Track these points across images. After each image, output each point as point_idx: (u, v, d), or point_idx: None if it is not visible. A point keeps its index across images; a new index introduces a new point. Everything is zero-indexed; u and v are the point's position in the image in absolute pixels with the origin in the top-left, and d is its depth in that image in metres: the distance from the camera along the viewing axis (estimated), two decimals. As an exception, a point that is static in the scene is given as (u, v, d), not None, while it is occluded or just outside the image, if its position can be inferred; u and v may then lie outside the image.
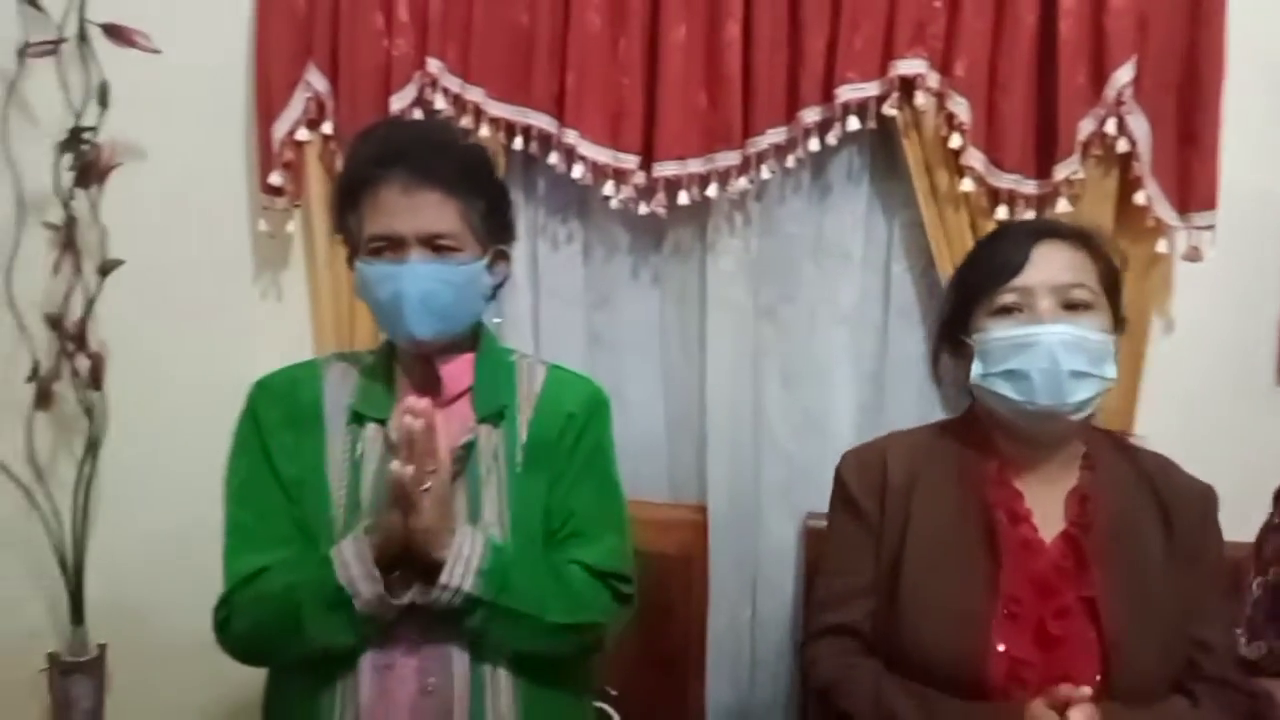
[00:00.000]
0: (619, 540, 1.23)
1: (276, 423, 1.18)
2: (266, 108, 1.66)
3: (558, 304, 1.79)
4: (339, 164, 1.68)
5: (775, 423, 1.80)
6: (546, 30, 1.62)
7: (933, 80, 1.59)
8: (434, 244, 1.12)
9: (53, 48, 1.59)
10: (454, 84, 1.64)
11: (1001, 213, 1.61)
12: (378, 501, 1.10)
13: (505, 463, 1.17)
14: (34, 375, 1.67)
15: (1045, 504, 1.17)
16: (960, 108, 1.58)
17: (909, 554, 1.17)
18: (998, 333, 1.14)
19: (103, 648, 1.77)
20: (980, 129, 1.59)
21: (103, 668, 1.77)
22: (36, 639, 1.77)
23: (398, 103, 1.62)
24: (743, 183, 1.65)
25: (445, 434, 1.16)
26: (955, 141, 1.59)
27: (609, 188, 1.66)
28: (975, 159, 1.59)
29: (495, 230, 1.20)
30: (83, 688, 1.74)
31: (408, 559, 1.08)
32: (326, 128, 1.67)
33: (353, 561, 1.06)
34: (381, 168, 1.11)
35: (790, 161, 1.65)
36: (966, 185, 1.60)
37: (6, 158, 1.60)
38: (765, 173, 1.64)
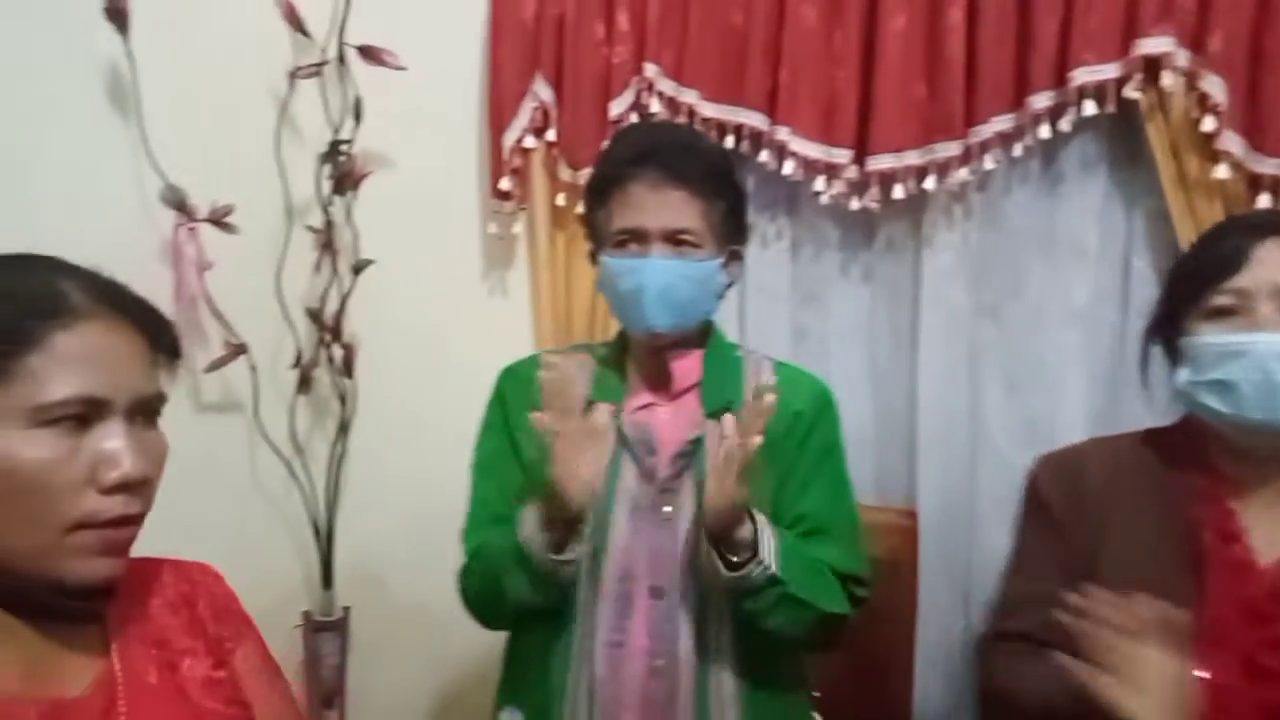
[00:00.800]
0: (853, 542, 1.23)
1: (520, 407, 1.26)
2: (498, 117, 1.78)
3: (765, 301, 1.80)
4: (561, 170, 1.78)
5: (994, 429, 1.71)
6: (761, 28, 1.63)
7: (1182, 59, 1.46)
8: (676, 240, 1.17)
9: (317, 70, 1.78)
10: (669, 87, 1.69)
11: (1263, 201, 1.46)
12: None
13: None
14: (297, 363, 1.88)
15: (1264, 525, 1.05)
16: (1215, 87, 1.44)
17: (1103, 568, 1.09)
18: (1208, 337, 1.04)
19: (347, 610, 1.96)
20: (1238, 110, 1.45)
21: (347, 627, 1.96)
22: (293, 598, 1.99)
23: (616, 108, 1.69)
24: (963, 174, 1.59)
25: (673, 428, 1.21)
26: (1208, 124, 1.46)
27: (820, 183, 1.65)
28: (1232, 143, 1.45)
29: (733, 231, 1.24)
30: (330, 644, 1.93)
31: (578, 520, 1.11)
32: (550, 135, 1.77)
33: (528, 520, 1.11)
34: (633, 166, 1.17)
35: (1017, 150, 1.57)
36: (1221, 172, 1.46)
37: (278, 169, 1.82)
38: (989, 163, 1.57)
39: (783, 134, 1.63)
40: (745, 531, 1.09)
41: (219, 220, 1.67)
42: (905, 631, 1.68)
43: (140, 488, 0.75)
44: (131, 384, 0.75)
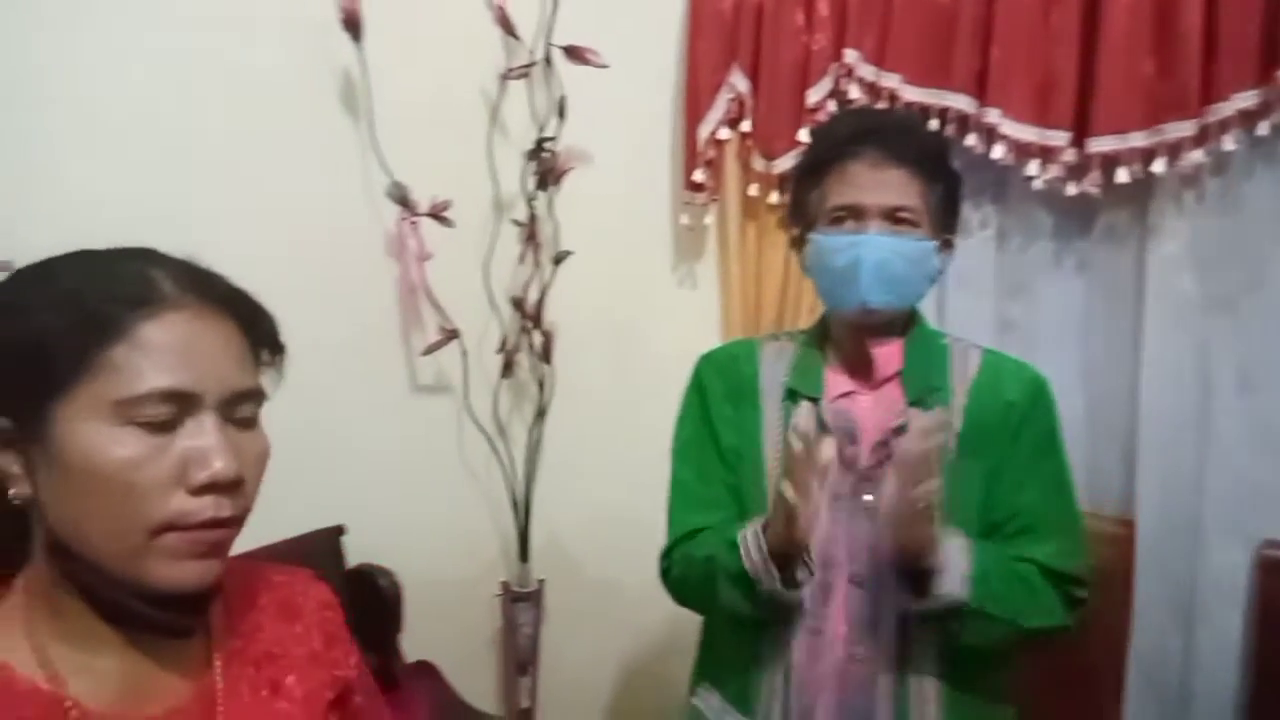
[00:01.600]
0: (1072, 539, 1.18)
1: (719, 394, 1.29)
2: (693, 110, 1.81)
3: (966, 292, 1.73)
4: (754, 160, 1.78)
5: (1225, 433, 1.57)
6: (970, 7, 1.57)
7: None
8: (895, 217, 1.16)
9: (525, 71, 1.88)
10: (869, 73, 1.65)
11: None
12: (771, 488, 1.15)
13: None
14: (502, 348, 1.99)
15: None
16: None
17: None
18: None
19: (542, 582, 2.06)
20: None
21: (542, 599, 2.06)
22: (492, 569, 2.11)
23: (813, 96, 1.68)
24: (1197, 156, 1.46)
25: (874, 417, 1.19)
26: None
27: (1033, 167, 1.56)
28: None
29: (947, 217, 1.22)
30: (526, 614, 2.04)
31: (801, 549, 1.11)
32: (745, 126, 1.78)
33: (754, 551, 1.12)
34: (853, 145, 1.17)
35: (1262, 129, 1.42)
36: None
37: (489, 167, 1.93)
38: (1229, 144, 1.43)
39: (992, 116, 1.56)
40: (933, 561, 1.07)
41: (438, 214, 1.79)
42: (1116, 647, 1.58)
43: (232, 489, 0.67)
44: (223, 377, 0.67)
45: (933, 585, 1.07)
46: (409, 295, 1.85)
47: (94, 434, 0.63)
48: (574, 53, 1.83)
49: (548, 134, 1.90)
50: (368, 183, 1.80)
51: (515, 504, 2.04)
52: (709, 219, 1.89)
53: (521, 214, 1.96)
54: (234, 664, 0.75)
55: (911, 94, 1.63)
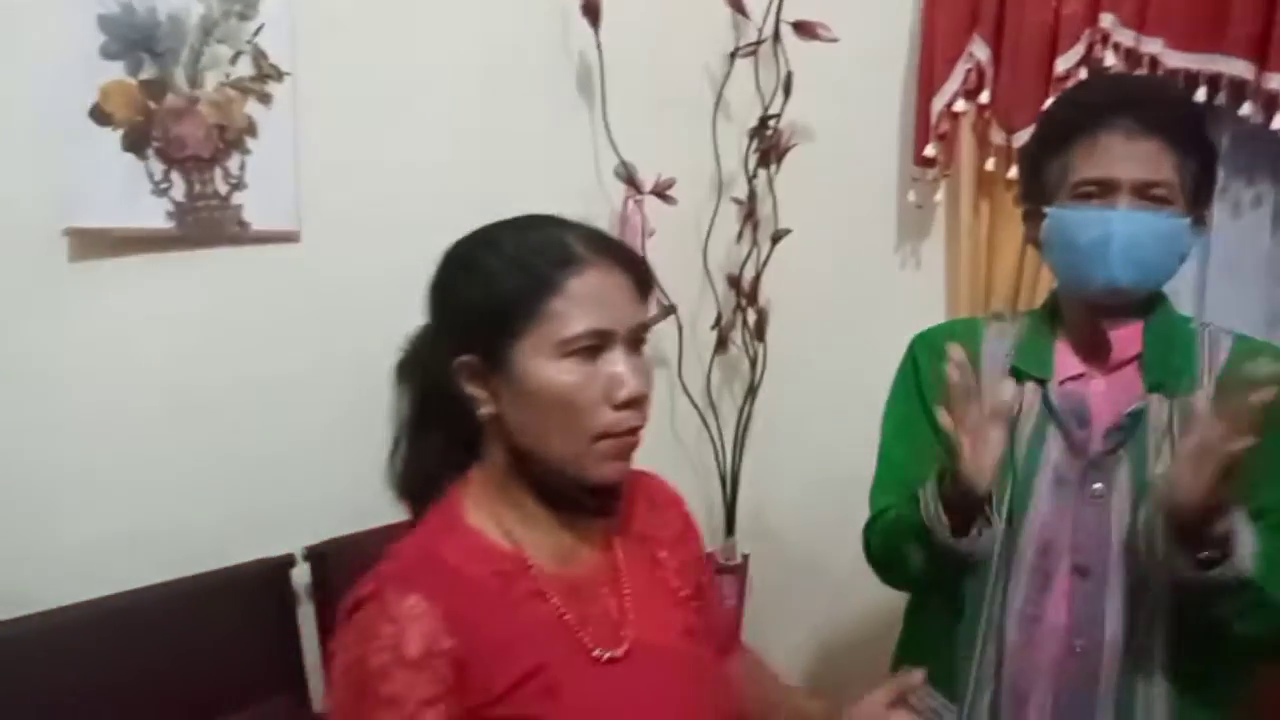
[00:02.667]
0: None
1: (933, 372, 1.26)
2: (928, 81, 1.74)
3: (1232, 278, 1.57)
4: (992, 133, 1.70)
5: None
6: (1253, -39, 1.41)
7: None
8: (1147, 193, 1.08)
9: (754, 48, 1.88)
10: (1127, 38, 1.53)
11: None
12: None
13: (1178, 437, 1.08)
14: (716, 324, 2.03)
15: None
16: None
17: None
18: None
19: (747, 556, 2.09)
20: None
21: (745, 573, 2.09)
22: (698, 540, 2.16)
23: (1063, 64, 1.57)
24: None
25: (1108, 401, 1.12)
26: None
27: (1322, 140, 1.39)
28: None
29: (1201, 193, 1.12)
30: (730, 587, 2.08)
31: (981, 504, 1.07)
32: (984, 97, 1.69)
33: (929, 499, 1.09)
34: (1105, 114, 1.09)
35: None
36: None
37: (712, 146, 1.96)
38: None
39: (1275, 82, 1.40)
40: (1220, 528, 0.97)
41: (661, 193, 1.84)
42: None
43: (642, 403, 0.86)
44: (628, 316, 0.86)
45: (1225, 551, 0.97)
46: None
47: (544, 367, 0.83)
48: (803, 28, 1.82)
49: (773, 111, 1.90)
50: (597, 163, 1.88)
51: (723, 477, 2.07)
52: (939, 196, 1.82)
53: (741, 192, 1.97)
54: (626, 541, 0.96)
55: (1176, 60, 1.49)
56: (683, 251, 1.98)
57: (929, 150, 1.76)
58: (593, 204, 1.88)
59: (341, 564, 1.45)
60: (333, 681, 0.82)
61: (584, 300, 0.84)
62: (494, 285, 0.84)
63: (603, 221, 1.95)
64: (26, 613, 1.24)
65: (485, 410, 0.86)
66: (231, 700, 1.35)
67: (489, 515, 0.89)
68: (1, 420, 1.27)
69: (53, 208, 1.28)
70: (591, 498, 0.89)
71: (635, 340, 0.87)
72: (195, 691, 1.32)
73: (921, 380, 1.27)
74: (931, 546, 1.10)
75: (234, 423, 1.46)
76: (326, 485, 1.50)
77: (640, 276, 0.89)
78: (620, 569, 0.94)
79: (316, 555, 1.47)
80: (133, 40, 1.32)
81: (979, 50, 1.68)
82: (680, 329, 1.98)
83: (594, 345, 0.84)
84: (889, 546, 1.20)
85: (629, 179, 1.84)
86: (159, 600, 1.34)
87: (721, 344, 2.04)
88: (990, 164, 1.71)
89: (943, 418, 1.04)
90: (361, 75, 1.55)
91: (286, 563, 1.45)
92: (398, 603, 0.80)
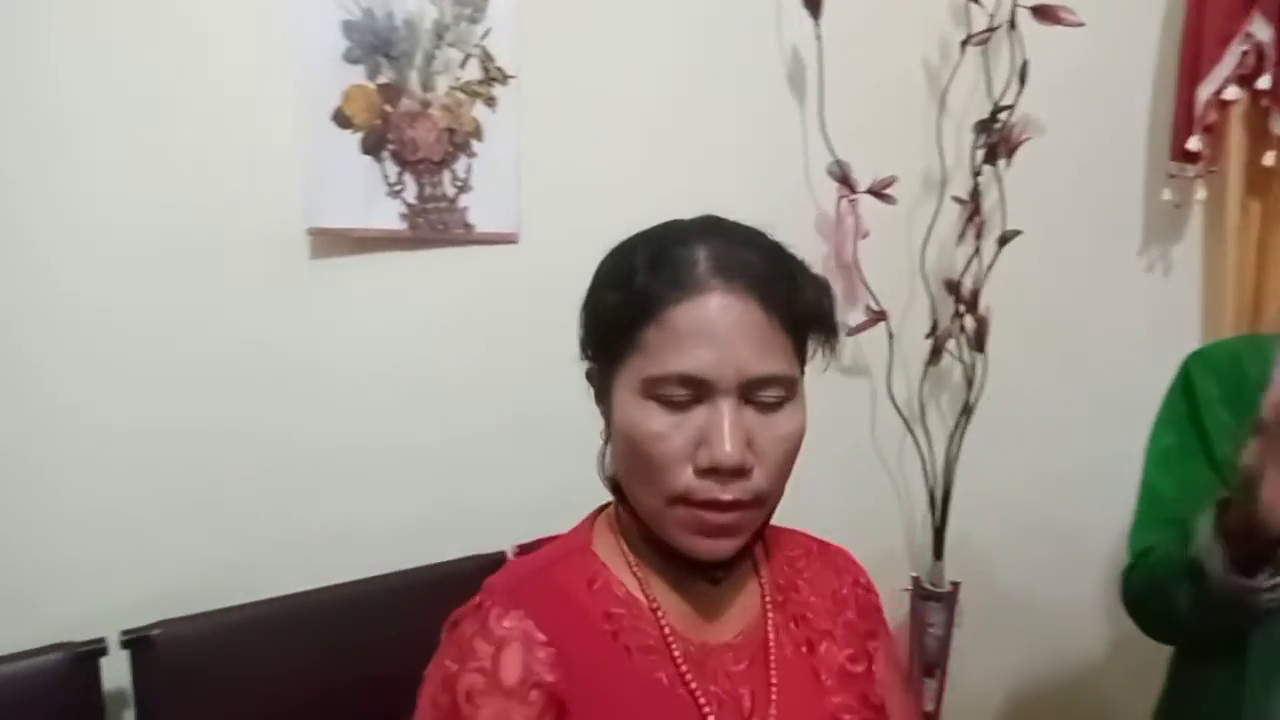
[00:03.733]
0: None
1: (1214, 398, 1.11)
2: (1192, 66, 1.56)
3: None
4: (1274, 122, 1.50)
5: None
6: None
7: None
8: None
9: (987, 36, 1.75)
10: None
11: None
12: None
13: None
14: (931, 333, 1.90)
15: None
16: None
17: None
18: None
19: (956, 584, 1.95)
20: None
21: (954, 602, 1.94)
22: (897, 561, 2.04)
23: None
24: None
25: None
26: None
27: None
28: None
29: None
30: (936, 615, 1.94)
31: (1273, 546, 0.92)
32: (1263, 82, 1.49)
33: (1206, 534, 0.95)
34: None
35: None
36: None
37: (935, 141, 1.83)
38: None
39: None
40: None
41: (879, 192, 1.74)
42: None
43: (736, 474, 0.68)
44: (741, 364, 0.68)
45: None
46: (841, 274, 1.82)
47: (631, 403, 0.70)
48: (1044, 12, 1.67)
49: (1005, 103, 1.75)
50: (807, 160, 1.80)
51: (932, 498, 1.94)
52: (1200, 194, 1.63)
53: (964, 190, 1.84)
54: (777, 615, 0.80)
55: None
56: (897, 254, 1.87)
57: (1192, 143, 1.57)
58: (801, 205, 1.80)
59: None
60: (421, 697, 0.73)
61: (682, 336, 0.68)
62: (603, 300, 0.73)
63: (809, 224, 1.90)
64: (256, 598, 1.30)
65: (604, 432, 0.77)
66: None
67: (615, 549, 0.78)
68: (249, 405, 1.34)
69: (297, 209, 1.33)
70: (693, 563, 0.73)
71: (755, 393, 0.69)
72: (393, 687, 1.34)
73: (1199, 405, 1.12)
74: (1204, 587, 0.96)
75: (453, 416, 1.48)
76: (539, 482, 1.50)
77: (788, 315, 0.71)
78: (769, 648, 0.78)
79: (530, 552, 1.47)
80: (372, 45, 1.36)
81: (1259, 30, 1.49)
82: (891, 337, 1.87)
83: (686, 393, 0.68)
84: (1152, 587, 1.07)
85: (843, 177, 1.75)
86: (378, 592, 1.37)
87: (935, 354, 1.91)
88: (1269, 158, 1.51)
89: (1249, 455, 0.90)
90: (579, 76, 1.54)
91: (498, 560, 1.46)
92: (498, 620, 0.71)
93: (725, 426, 0.67)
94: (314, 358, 1.38)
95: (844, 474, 1.96)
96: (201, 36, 1.26)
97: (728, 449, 0.67)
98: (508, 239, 1.50)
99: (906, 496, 2.00)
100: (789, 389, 0.71)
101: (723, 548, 0.71)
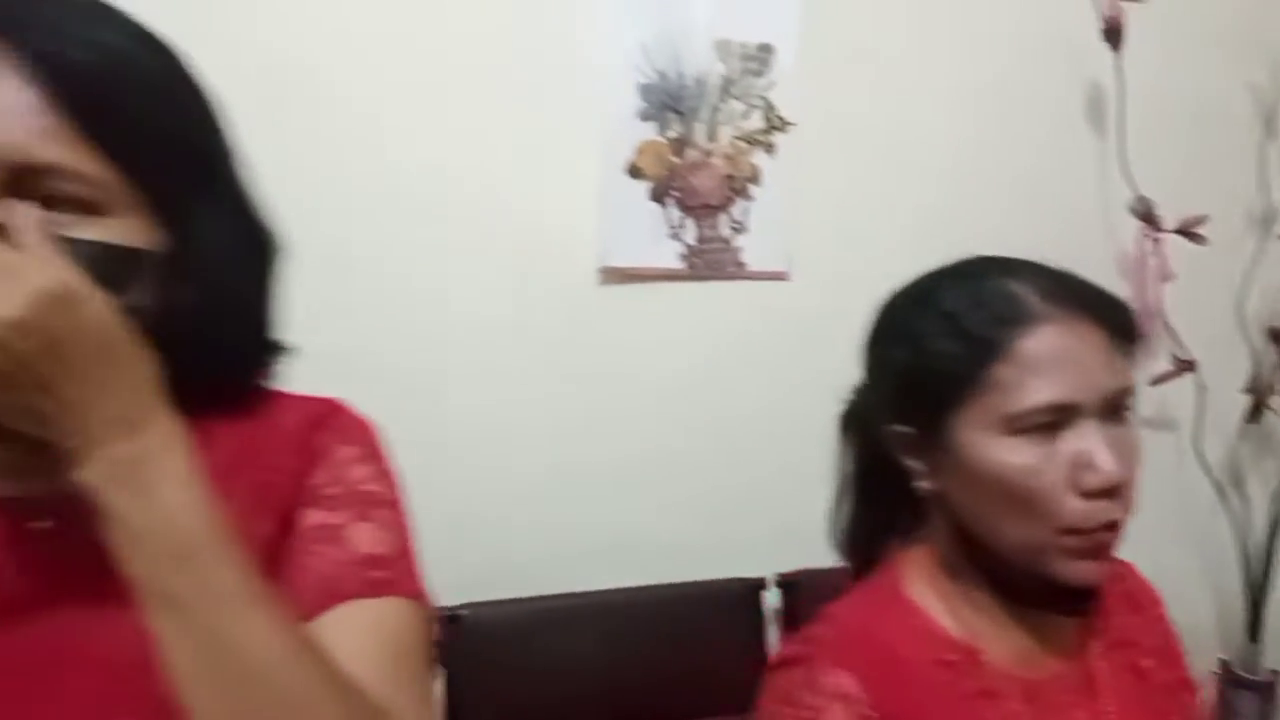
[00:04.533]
0: None
1: None
2: None
3: None
4: None
5: None
6: None
7: None
8: None
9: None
10: None
11: None
12: None
13: None
14: (1250, 387, 1.70)
15: None
16: None
17: None
18: None
19: (1275, 674, 1.71)
20: None
21: (1273, 695, 1.71)
22: (1203, 638, 1.82)
23: None
24: None
25: None
26: None
27: None
28: None
29: None
30: (1249, 704, 1.72)
31: None
32: None
33: None
34: None
35: None
36: None
37: (1257, 176, 1.66)
38: None
39: None
40: None
41: (1188, 231, 1.60)
42: None
43: (1119, 490, 0.70)
44: (1098, 383, 0.70)
45: None
46: (1143, 319, 1.69)
47: (990, 443, 0.71)
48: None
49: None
50: (1105, 197, 1.70)
51: (1248, 571, 1.73)
52: None
53: (1298, 229, 1.64)
54: (1100, 644, 0.80)
55: None
56: (1209, 297, 1.70)
57: None
58: (1098, 244, 1.70)
59: (812, 594, 1.47)
60: None
61: (1039, 366, 0.69)
62: (927, 349, 0.73)
63: (1108, 264, 1.78)
64: (531, 594, 1.44)
65: (925, 484, 0.76)
66: (693, 707, 1.43)
67: (935, 595, 0.78)
68: (543, 424, 1.52)
69: (592, 248, 1.50)
70: (1059, 595, 0.74)
71: (1113, 409, 0.71)
72: (659, 690, 1.44)
73: None
74: None
75: (725, 443, 1.57)
76: (803, 514, 1.55)
77: (1120, 327, 0.73)
78: (1097, 680, 0.78)
79: (788, 583, 1.52)
80: (664, 103, 1.51)
81: None
82: (1200, 389, 1.70)
83: (1052, 420, 0.70)
84: None
85: (1146, 215, 1.63)
86: (642, 601, 1.48)
87: (1255, 411, 1.71)
88: None
89: None
90: (860, 120, 1.59)
91: (758, 585, 1.52)
92: (825, 676, 0.73)
93: (1103, 445, 0.69)
94: (602, 381, 1.53)
95: (1143, 537, 1.80)
96: (517, 101, 1.45)
97: (1113, 467, 0.69)
98: (778, 276, 1.57)
99: (1217, 568, 1.79)
100: (1131, 401, 0.74)
101: (1103, 569, 0.73)
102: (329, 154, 1.37)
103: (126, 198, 0.55)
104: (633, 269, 1.51)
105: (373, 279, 1.40)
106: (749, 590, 1.52)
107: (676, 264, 1.52)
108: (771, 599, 1.54)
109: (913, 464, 0.76)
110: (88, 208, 0.54)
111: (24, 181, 0.52)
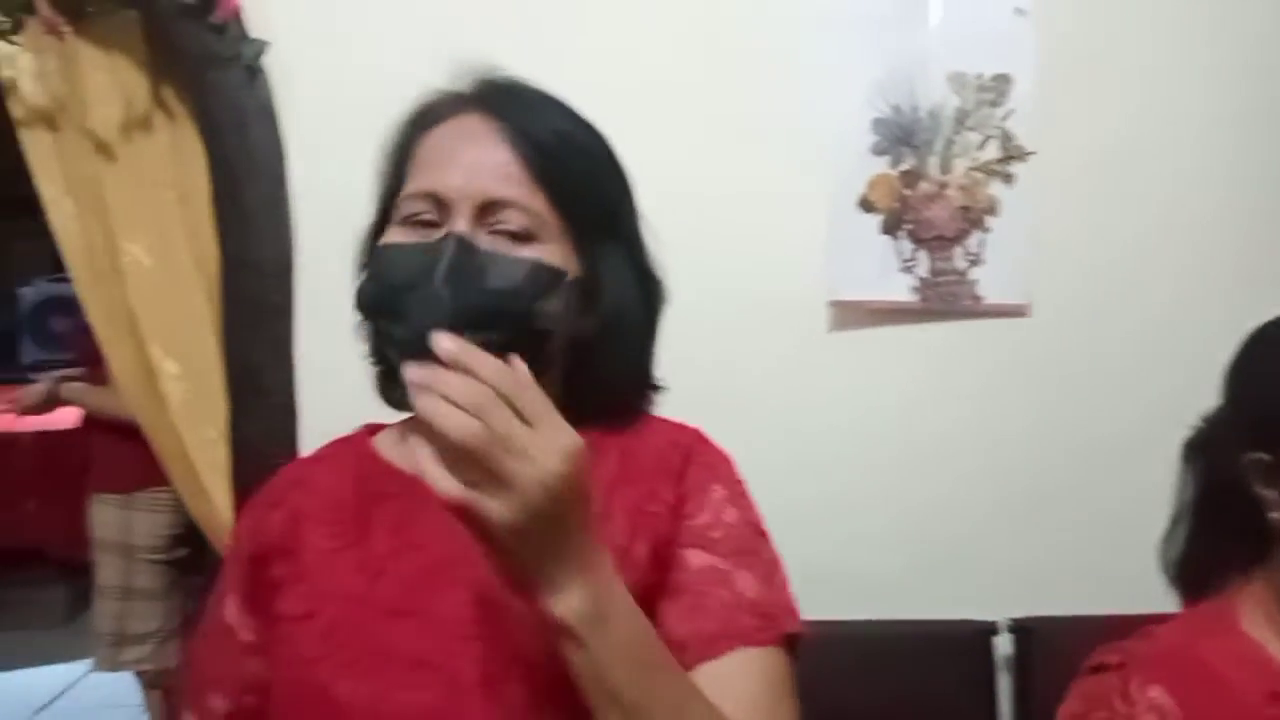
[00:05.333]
0: None
1: None
2: None
3: None
4: None
5: None
6: None
7: None
8: None
9: None
10: None
11: None
12: None
13: None
14: None
15: None
16: None
17: None
18: None
19: None
20: None
21: None
22: None
23: None
24: None
25: None
26: None
27: None
28: None
29: None
30: None
31: None
32: None
33: None
34: None
35: None
36: None
37: None
38: None
39: None
40: None
41: None
42: None
43: None
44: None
45: None
46: None
47: None
48: None
49: None
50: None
51: None
52: None
53: None
54: None
55: None
56: None
57: None
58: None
59: (1046, 642, 1.41)
60: None
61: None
62: None
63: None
64: None
65: (1277, 515, 0.75)
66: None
67: (1273, 630, 0.76)
68: (767, 459, 1.53)
69: (821, 283, 1.52)
70: None
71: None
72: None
73: None
74: None
75: (955, 483, 1.54)
76: (1039, 558, 1.49)
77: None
78: None
79: (1021, 628, 1.46)
80: (897, 137, 1.51)
81: None
82: None
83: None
84: None
85: None
86: (867, 635, 1.45)
87: None
88: None
89: None
90: (1103, 147, 1.52)
91: (989, 630, 1.46)
92: (1139, 688, 0.73)
93: None
94: (830, 414, 1.53)
95: None
96: (750, 135, 1.50)
97: None
98: (1018, 311, 1.52)
99: None
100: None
101: None
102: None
103: (556, 233, 0.71)
104: (863, 302, 1.52)
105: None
106: (979, 634, 1.47)
107: (908, 297, 1.51)
108: (1003, 645, 1.47)
109: (1265, 494, 0.75)
110: (526, 237, 0.69)
111: (487, 212, 0.69)
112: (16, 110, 1.52)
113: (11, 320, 3.64)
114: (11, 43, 1.44)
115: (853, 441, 1.54)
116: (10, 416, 2.66)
